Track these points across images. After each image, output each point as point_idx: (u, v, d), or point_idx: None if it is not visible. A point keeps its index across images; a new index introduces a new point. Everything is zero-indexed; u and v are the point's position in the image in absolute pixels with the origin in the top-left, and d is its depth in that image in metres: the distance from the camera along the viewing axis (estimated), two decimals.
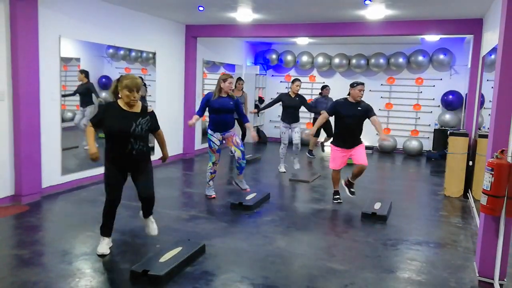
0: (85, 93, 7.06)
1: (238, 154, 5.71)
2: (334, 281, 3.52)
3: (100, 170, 6.59)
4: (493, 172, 3.23)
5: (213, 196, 5.80)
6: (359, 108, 5.42)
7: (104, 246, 3.88)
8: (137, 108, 3.72)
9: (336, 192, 5.72)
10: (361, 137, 5.54)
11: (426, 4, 5.82)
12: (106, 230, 3.93)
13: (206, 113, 5.81)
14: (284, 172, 7.49)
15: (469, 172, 6.16)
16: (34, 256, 3.79)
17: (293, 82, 7.38)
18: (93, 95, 7.22)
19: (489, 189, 3.27)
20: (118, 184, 3.80)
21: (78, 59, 7.32)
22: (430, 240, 4.52)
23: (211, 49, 9.46)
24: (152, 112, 3.86)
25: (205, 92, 9.58)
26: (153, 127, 3.86)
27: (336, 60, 10.60)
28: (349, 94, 5.51)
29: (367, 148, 10.00)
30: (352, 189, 5.71)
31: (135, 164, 3.79)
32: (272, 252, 4.07)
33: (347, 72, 10.74)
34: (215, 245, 4.13)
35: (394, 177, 7.90)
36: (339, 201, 5.67)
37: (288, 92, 7.50)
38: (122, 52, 8.03)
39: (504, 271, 3.47)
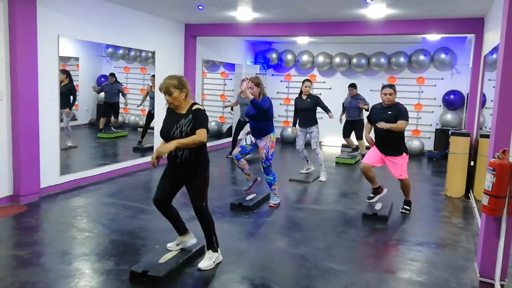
0: (67, 94, 6.86)
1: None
2: (334, 282, 3.50)
3: (98, 170, 6.64)
4: (494, 172, 3.22)
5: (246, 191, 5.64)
6: (389, 112, 5.06)
7: (172, 243, 3.82)
8: (183, 109, 3.44)
9: (374, 190, 5.46)
10: (400, 146, 5.15)
11: (427, 3, 5.79)
12: (175, 229, 3.79)
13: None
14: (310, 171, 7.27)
15: (471, 172, 6.13)
16: (33, 257, 3.77)
17: (302, 83, 7.10)
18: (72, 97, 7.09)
19: (490, 190, 3.25)
20: (163, 184, 3.59)
21: (77, 58, 7.31)
22: (431, 240, 4.50)
23: (210, 48, 9.44)
24: (196, 110, 3.40)
25: (205, 92, 9.61)
26: (194, 125, 3.36)
27: (337, 60, 10.57)
28: None
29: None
30: (406, 206, 5.39)
31: (182, 172, 3.51)
32: (272, 252, 4.05)
33: (348, 72, 10.71)
34: None
35: (395, 177, 7.85)
36: (371, 200, 5.44)
37: (300, 95, 7.12)
38: (121, 51, 8.03)
39: (505, 271, 3.46)
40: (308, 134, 7.04)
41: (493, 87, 3.98)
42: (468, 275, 3.69)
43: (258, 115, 5.16)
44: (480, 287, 3.49)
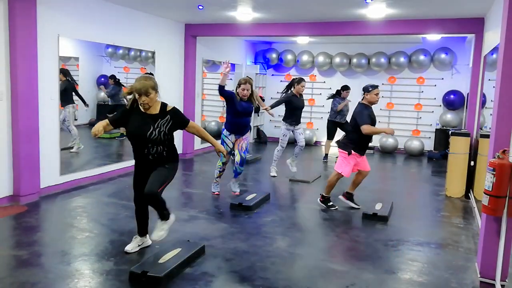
0: (62, 93, 6.75)
1: (237, 159, 5.73)
2: (334, 282, 3.50)
3: (98, 170, 6.63)
4: (494, 172, 3.21)
5: (216, 193, 5.86)
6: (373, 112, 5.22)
7: (132, 244, 3.92)
8: (155, 110, 3.55)
9: (329, 199, 5.44)
10: None
11: (427, 3, 5.79)
12: (138, 229, 3.94)
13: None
14: (275, 176, 7.13)
15: (471, 172, 6.13)
16: (32, 257, 3.77)
17: (299, 82, 6.96)
18: (74, 94, 7.12)
19: (490, 190, 3.25)
20: (141, 184, 3.70)
21: (77, 58, 7.31)
22: (431, 240, 4.49)
23: (210, 48, 9.43)
24: (173, 109, 3.60)
25: (205, 92, 9.63)
26: (178, 125, 3.63)
27: (337, 60, 10.57)
28: (362, 99, 5.18)
29: (368, 148, 10.00)
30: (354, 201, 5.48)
31: (153, 167, 3.63)
32: (272, 252, 4.04)
33: (348, 72, 10.71)
34: (215, 246, 4.11)
35: (395, 177, 7.87)
36: (336, 207, 5.40)
37: (293, 93, 7.02)
38: (121, 51, 8.02)
39: (506, 272, 3.45)
40: (294, 132, 7.08)
41: (493, 87, 3.97)
42: (469, 275, 3.68)
43: (251, 113, 5.82)
44: None
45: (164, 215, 3.70)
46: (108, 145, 8.60)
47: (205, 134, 3.80)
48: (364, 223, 4.99)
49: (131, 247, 3.90)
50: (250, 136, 5.83)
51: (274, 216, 5.17)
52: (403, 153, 10.10)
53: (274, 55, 11.21)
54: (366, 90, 5.14)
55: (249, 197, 5.54)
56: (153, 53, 7.76)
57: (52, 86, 5.72)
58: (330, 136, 8.67)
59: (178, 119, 3.61)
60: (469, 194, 6.15)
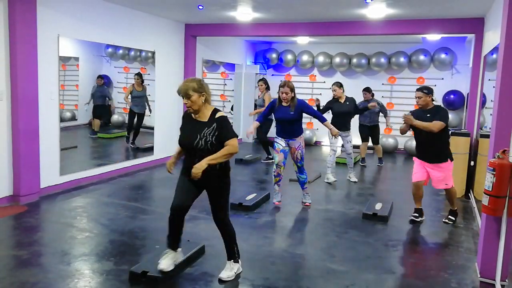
0: None
1: (295, 168, 5.53)
2: (334, 282, 3.50)
3: (98, 170, 6.63)
4: (494, 172, 3.22)
5: (276, 203, 5.52)
6: (428, 115, 4.83)
7: (166, 260, 3.40)
8: (204, 117, 3.25)
9: (417, 210, 5.06)
10: (444, 151, 4.89)
11: (427, 3, 5.79)
12: (169, 241, 3.47)
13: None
14: (336, 180, 6.92)
15: (471, 172, 6.13)
16: (32, 257, 3.77)
17: (332, 87, 6.99)
18: None
19: (490, 190, 3.25)
20: (184, 191, 3.34)
21: (77, 58, 7.31)
22: (431, 240, 4.49)
23: (210, 48, 9.44)
24: (221, 117, 3.23)
25: None
26: (221, 136, 3.21)
27: (337, 60, 10.57)
28: None
29: (368, 148, 10.00)
30: (450, 217, 5.12)
31: (205, 181, 3.26)
32: (272, 252, 4.04)
33: (348, 72, 10.71)
34: (215, 246, 4.10)
35: (395, 178, 7.87)
36: (415, 219, 5.01)
37: (335, 97, 6.98)
38: (121, 51, 8.03)
39: (506, 271, 3.45)
40: (342, 138, 6.97)
41: (493, 87, 3.97)
42: (469, 275, 3.68)
43: (298, 118, 5.36)
44: None
45: (232, 251, 3.49)
46: (108, 145, 8.61)
47: (218, 156, 3.23)
48: (364, 223, 4.99)
49: (166, 265, 3.39)
50: (302, 143, 5.44)
51: (274, 216, 5.17)
52: (403, 153, 10.10)
53: (274, 55, 11.21)
54: None
55: (249, 197, 5.54)
56: (153, 53, 7.76)
57: (52, 87, 5.72)
58: (365, 138, 8.50)
59: (221, 130, 3.21)
60: (469, 194, 6.15)
